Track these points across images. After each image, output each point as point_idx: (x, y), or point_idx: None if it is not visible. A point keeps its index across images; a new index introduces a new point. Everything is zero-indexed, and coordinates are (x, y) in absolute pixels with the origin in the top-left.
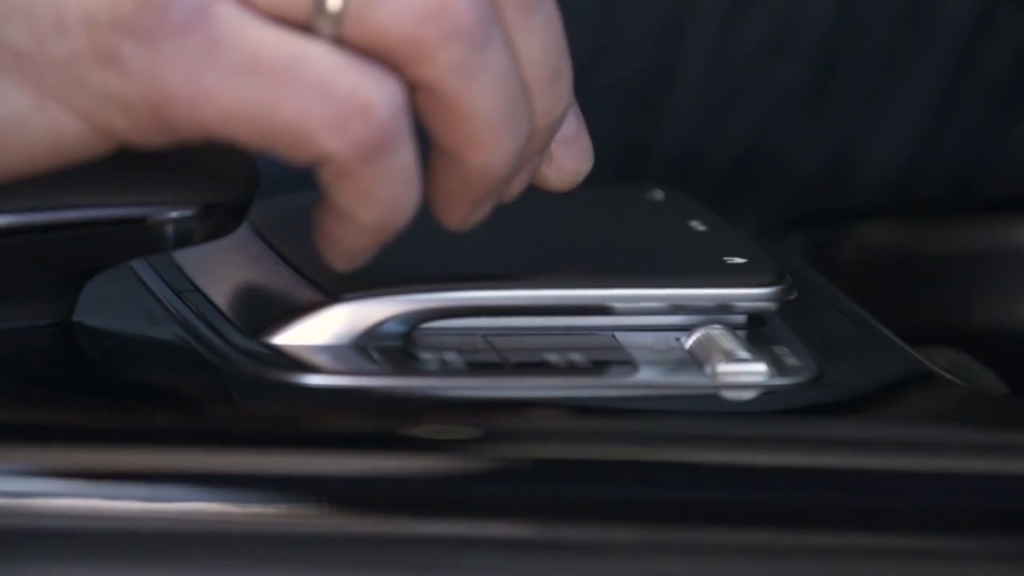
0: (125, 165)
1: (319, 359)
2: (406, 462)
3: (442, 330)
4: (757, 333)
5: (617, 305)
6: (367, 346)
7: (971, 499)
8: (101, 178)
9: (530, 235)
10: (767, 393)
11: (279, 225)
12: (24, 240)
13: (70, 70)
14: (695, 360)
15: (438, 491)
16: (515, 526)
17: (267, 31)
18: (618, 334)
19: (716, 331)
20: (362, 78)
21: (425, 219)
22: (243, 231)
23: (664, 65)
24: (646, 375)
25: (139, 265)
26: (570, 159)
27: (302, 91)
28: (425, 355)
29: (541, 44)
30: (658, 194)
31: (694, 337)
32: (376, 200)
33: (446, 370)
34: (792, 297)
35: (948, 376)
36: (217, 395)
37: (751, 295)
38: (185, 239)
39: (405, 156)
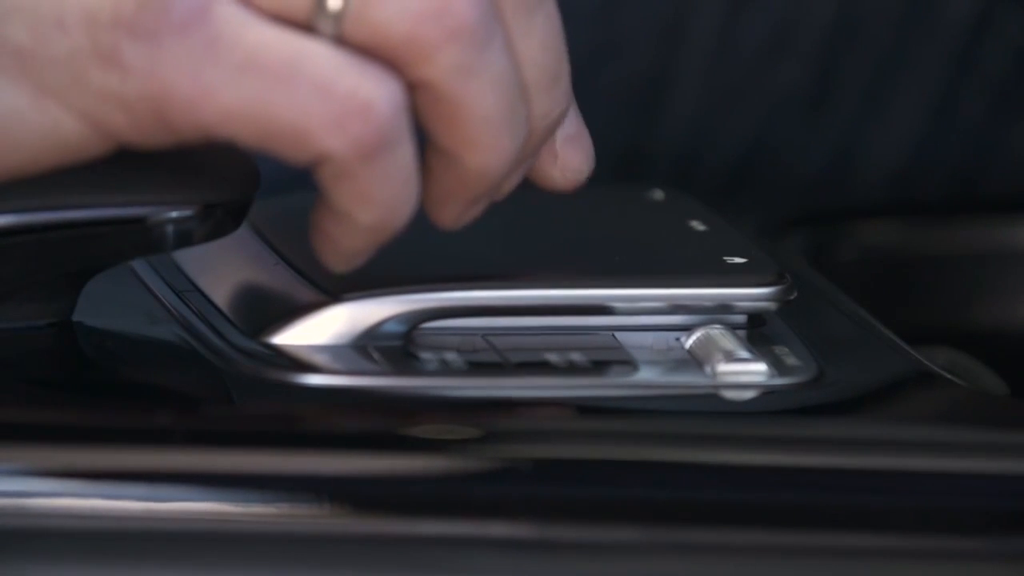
0: (125, 165)
1: (319, 359)
2: (406, 462)
3: (442, 330)
4: (757, 333)
5: (617, 305)
6: (367, 346)
7: (971, 499)
8: (101, 178)
9: (530, 235)
10: (767, 393)
11: (279, 225)
12: (24, 240)
13: (70, 68)
14: (695, 360)
15: (438, 491)
16: (515, 526)
17: (268, 30)
18: (618, 334)
19: (716, 331)
20: (362, 77)
21: (425, 219)
22: (243, 231)
23: (664, 65)
24: (646, 375)
25: (139, 265)
26: (575, 157)
27: (302, 90)
28: (425, 355)
29: (541, 45)
30: (658, 194)
31: (694, 337)
32: (375, 201)
33: (446, 370)
34: (792, 297)
35: (948, 376)
36: (217, 395)
37: (751, 295)
38: (185, 239)
39: (404, 157)
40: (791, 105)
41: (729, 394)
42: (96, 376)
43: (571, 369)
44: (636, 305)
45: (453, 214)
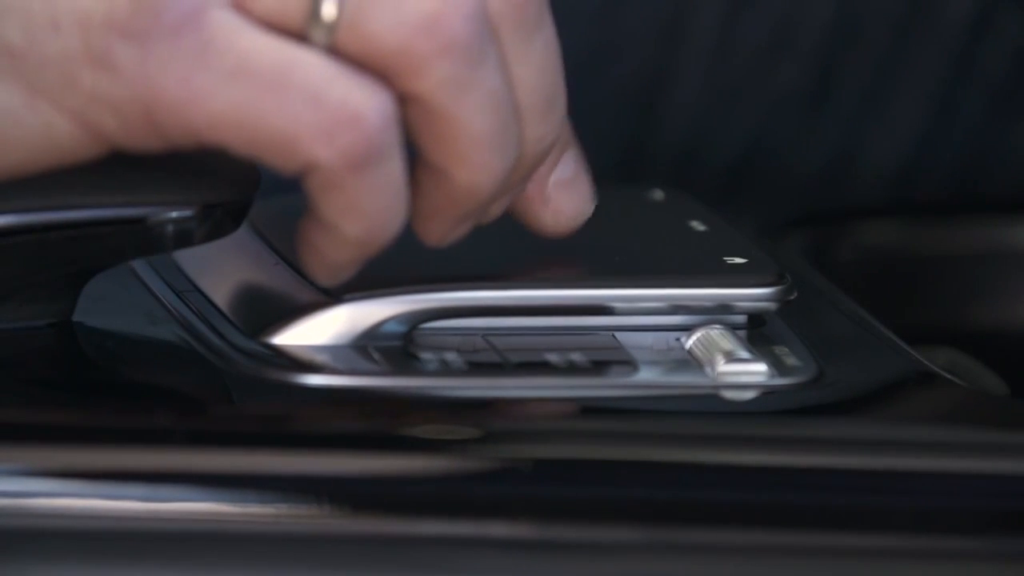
0: (125, 165)
1: (319, 359)
2: (406, 462)
3: (442, 330)
4: (757, 333)
5: (617, 305)
6: (367, 346)
7: (971, 499)
8: (101, 178)
9: (530, 235)
10: (767, 393)
11: (279, 225)
12: (24, 240)
13: (62, 69)
14: (695, 360)
15: (438, 491)
16: (515, 526)
17: (260, 37)
18: (618, 334)
19: (716, 331)
20: (353, 87)
21: None
22: (243, 231)
23: (664, 65)
24: (646, 375)
25: (139, 265)
26: (569, 203)
27: (292, 98)
28: (425, 355)
29: (537, 70)
30: (658, 194)
31: (694, 337)
32: (362, 212)
33: (446, 370)
34: (792, 297)
35: (948, 376)
36: (217, 395)
37: (751, 295)
38: (185, 239)
39: (393, 169)
40: (791, 105)
41: (729, 394)
42: (96, 376)
43: (571, 369)
44: (636, 305)
45: (440, 231)
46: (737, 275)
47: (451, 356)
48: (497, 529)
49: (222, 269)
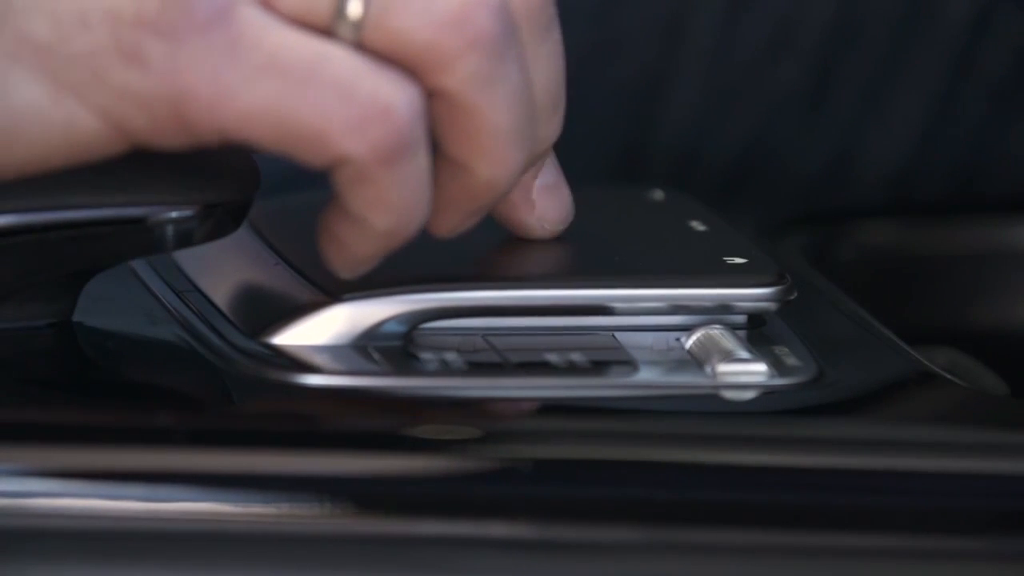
0: (125, 165)
1: (319, 359)
2: (406, 462)
3: (442, 330)
4: (757, 333)
5: (617, 305)
6: (367, 346)
7: (971, 499)
8: (101, 178)
9: None
10: (767, 393)
11: (279, 225)
12: (24, 240)
13: (91, 65)
14: (695, 360)
15: (438, 491)
16: (515, 526)
17: (289, 33)
18: (618, 334)
19: (716, 331)
20: (383, 81)
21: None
22: (243, 231)
23: (664, 65)
24: (646, 375)
25: (139, 265)
26: (553, 208)
27: (322, 92)
28: (425, 355)
29: (548, 70)
30: (658, 194)
31: (694, 337)
32: (391, 205)
33: (446, 370)
34: (792, 297)
35: (948, 376)
36: (217, 395)
37: (751, 295)
38: (185, 239)
39: (421, 162)
40: (791, 105)
41: (729, 394)
42: (96, 376)
43: (571, 369)
44: (636, 305)
45: (451, 223)
46: (737, 275)
47: (451, 356)
48: (497, 529)
49: (222, 269)
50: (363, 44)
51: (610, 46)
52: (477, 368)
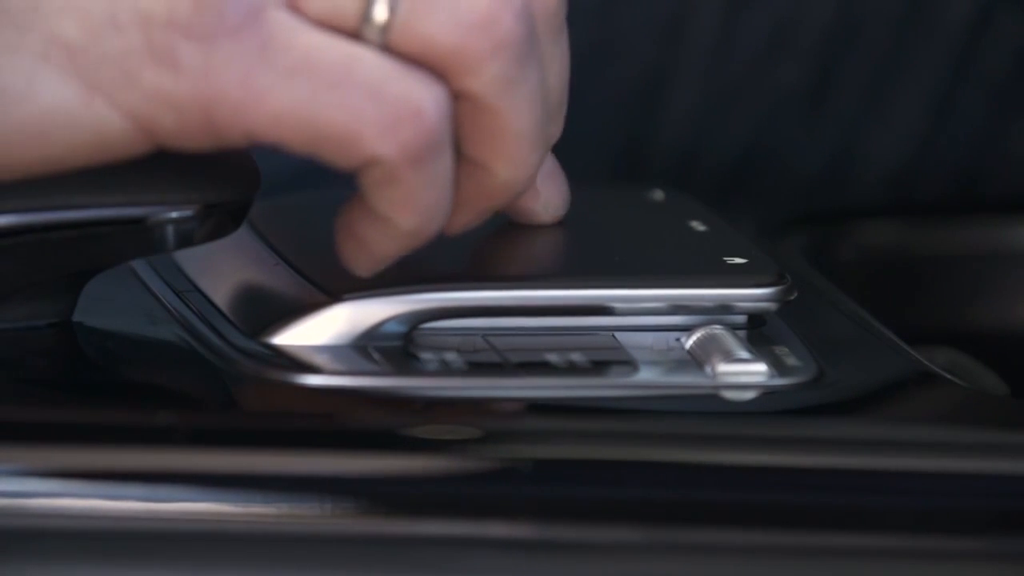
0: (125, 165)
1: (319, 359)
2: (406, 462)
3: (442, 330)
4: (757, 333)
5: (617, 305)
6: (367, 346)
7: (971, 499)
8: (101, 178)
9: (530, 235)
10: (767, 393)
11: (279, 225)
12: (24, 240)
13: (123, 67)
14: (695, 360)
15: (438, 491)
16: (515, 526)
17: (318, 35)
18: (618, 334)
19: (716, 331)
20: (412, 82)
21: None
22: (243, 231)
23: (664, 65)
24: (646, 375)
25: (139, 265)
26: (556, 193)
27: (354, 94)
28: (425, 355)
29: (559, 70)
30: (658, 194)
31: (694, 337)
32: (417, 206)
33: (446, 370)
34: (792, 297)
35: (948, 376)
36: (217, 395)
37: (751, 295)
38: (185, 239)
39: (447, 163)
40: (791, 105)
41: (729, 394)
42: (96, 376)
43: (571, 369)
44: (636, 305)
45: (463, 222)
46: (737, 275)
47: (451, 356)
48: (497, 529)
49: (222, 269)
50: (389, 47)
51: (610, 46)
52: (477, 368)
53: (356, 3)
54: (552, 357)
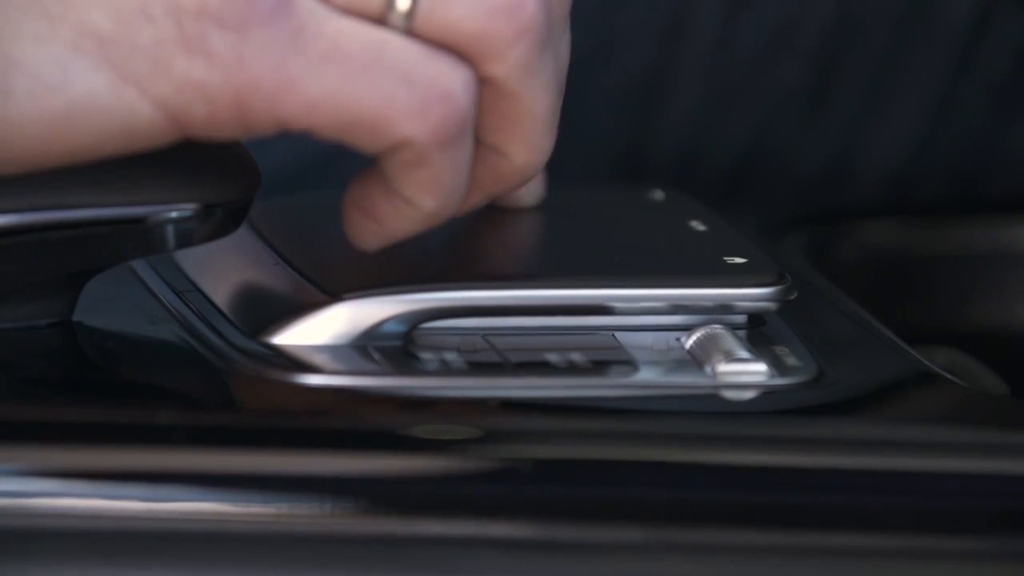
0: (125, 165)
1: (319, 359)
2: (406, 462)
3: (442, 330)
4: (757, 333)
5: (617, 305)
6: (367, 346)
7: (971, 499)
8: (101, 178)
9: (530, 235)
10: (767, 393)
11: (279, 225)
12: (24, 240)
13: (155, 56)
14: (695, 360)
15: (438, 491)
16: (515, 526)
17: (346, 22)
18: (618, 334)
19: (716, 331)
20: (441, 66)
21: None
22: (243, 231)
23: (664, 65)
24: (646, 375)
25: (139, 265)
26: (538, 178)
27: (384, 78)
28: (425, 355)
29: (564, 58)
30: (658, 194)
31: (694, 337)
32: (442, 187)
33: (446, 370)
34: (792, 297)
35: (948, 376)
36: (217, 395)
37: (751, 295)
38: (185, 239)
39: (470, 146)
40: (791, 105)
41: (729, 394)
42: (96, 376)
43: (571, 369)
44: (636, 305)
45: (471, 204)
46: (737, 275)
47: (451, 356)
48: (497, 529)
49: (222, 269)
50: (413, 33)
51: (610, 46)
52: (477, 368)
53: None
54: (552, 357)
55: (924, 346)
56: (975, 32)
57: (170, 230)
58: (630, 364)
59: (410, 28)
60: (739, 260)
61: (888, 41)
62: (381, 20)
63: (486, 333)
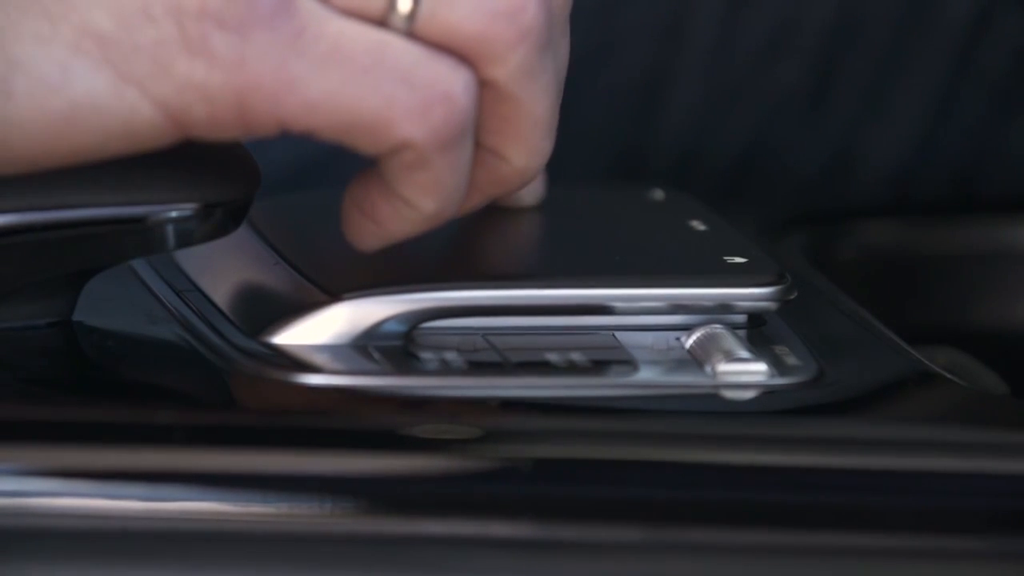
0: (125, 165)
1: (319, 359)
2: (406, 462)
3: (442, 330)
4: (757, 333)
5: (617, 304)
6: (367, 346)
7: (971, 499)
8: (101, 178)
9: (530, 235)
10: (767, 393)
11: (279, 225)
12: (24, 240)
13: (155, 57)
14: (695, 360)
15: (438, 491)
16: (515, 526)
17: (347, 23)
18: (618, 333)
19: (716, 331)
20: (442, 67)
21: None
22: (243, 230)
23: (664, 65)
24: (646, 375)
25: (139, 265)
26: (538, 178)
27: (385, 80)
28: (425, 355)
29: (563, 61)
30: (658, 194)
31: (694, 337)
32: (442, 189)
33: (446, 370)
34: (792, 297)
35: (948, 376)
36: (217, 395)
37: (751, 295)
38: (185, 239)
39: (470, 148)
40: (791, 105)
41: (729, 394)
42: (96, 376)
43: (571, 369)
44: (636, 305)
45: (469, 206)
46: (737, 275)
47: (451, 356)
48: (497, 529)
49: (222, 269)
50: (415, 35)
51: (610, 46)
52: (477, 368)
53: None
54: (552, 356)
55: (924, 346)
56: (975, 32)
57: (170, 230)
58: (630, 364)
59: (411, 30)
60: (739, 260)
61: (888, 41)
62: (382, 22)
63: (486, 333)
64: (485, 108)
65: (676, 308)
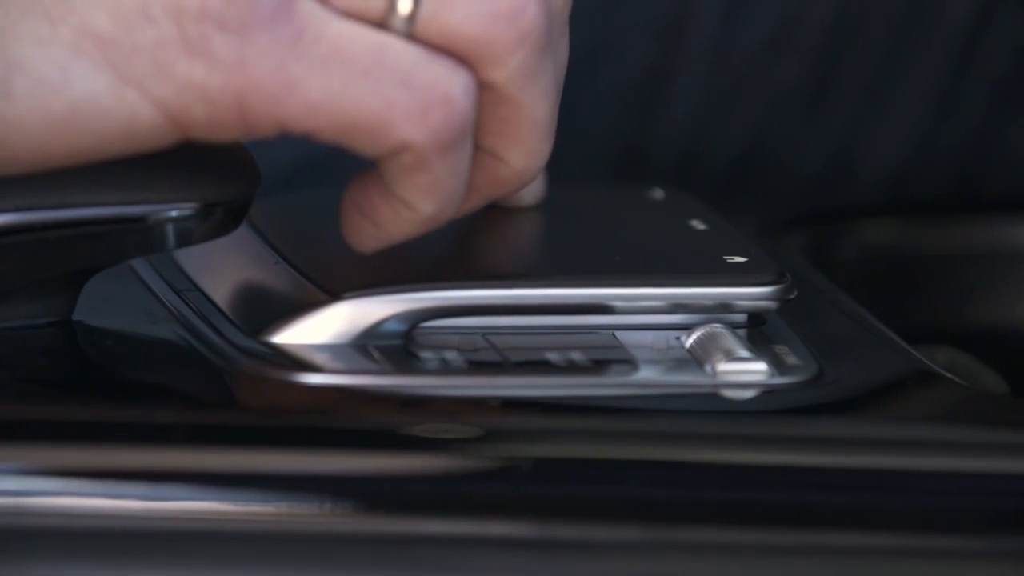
0: (125, 164)
1: (319, 358)
2: (406, 461)
3: (442, 329)
4: (757, 332)
5: (617, 304)
6: (367, 345)
7: (971, 499)
8: (101, 177)
9: (530, 234)
10: (767, 392)
11: (279, 224)
12: (24, 240)
13: (155, 58)
14: (695, 359)
15: (438, 491)
16: (515, 526)
17: (348, 25)
18: (618, 333)
19: (716, 330)
20: (441, 70)
21: None
22: (243, 230)
23: (664, 65)
24: (646, 374)
25: (139, 264)
26: (538, 179)
27: (385, 81)
28: (425, 354)
29: (562, 62)
30: (659, 193)
31: (694, 336)
32: (441, 191)
33: (446, 369)
34: (792, 296)
35: (948, 376)
36: (217, 394)
37: (751, 294)
38: (185, 238)
39: (469, 151)
40: (791, 104)
41: (729, 393)
42: (96, 375)
43: (571, 368)
44: (636, 304)
45: (467, 208)
46: (737, 274)
47: (451, 355)
48: (497, 528)
49: (222, 268)
50: (414, 37)
51: (610, 46)
52: (477, 367)
53: None
54: (552, 356)
55: (924, 345)
56: (975, 31)
57: (170, 229)
58: (630, 363)
59: (411, 32)
60: (739, 259)
61: (888, 40)
62: (382, 24)
63: (486, 332)
64: (484, 110)
65: (676, 307)
